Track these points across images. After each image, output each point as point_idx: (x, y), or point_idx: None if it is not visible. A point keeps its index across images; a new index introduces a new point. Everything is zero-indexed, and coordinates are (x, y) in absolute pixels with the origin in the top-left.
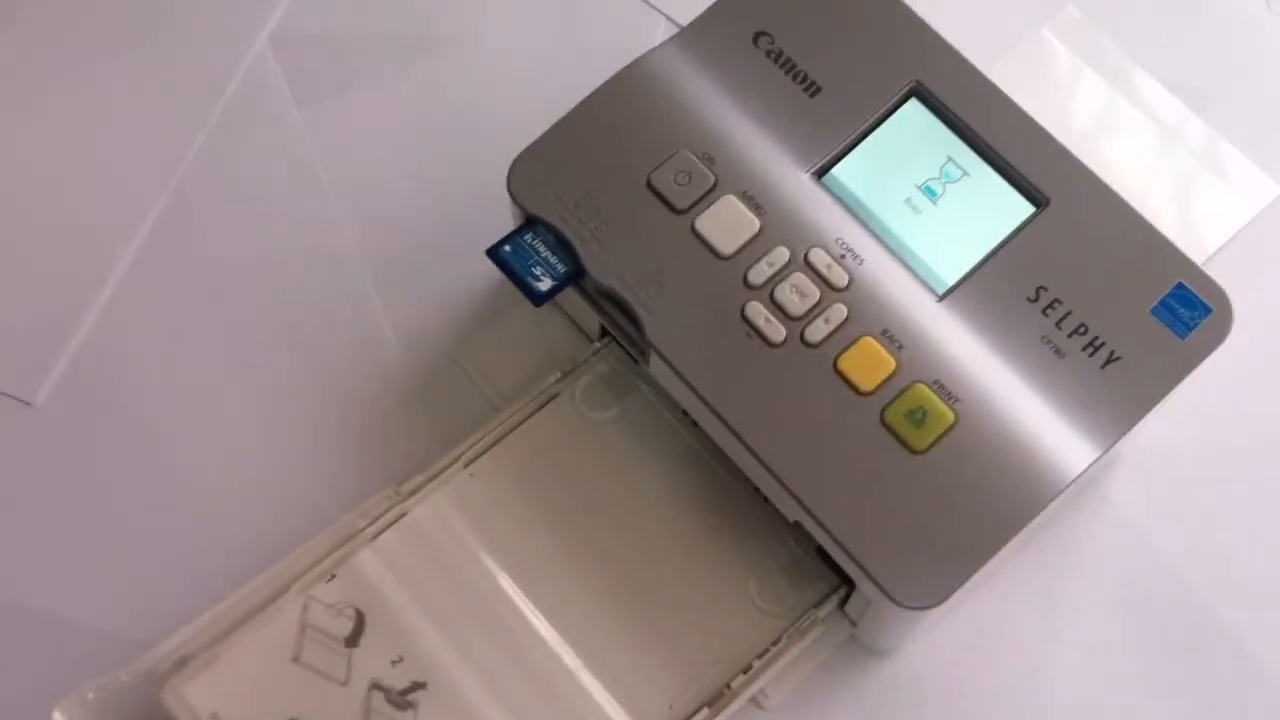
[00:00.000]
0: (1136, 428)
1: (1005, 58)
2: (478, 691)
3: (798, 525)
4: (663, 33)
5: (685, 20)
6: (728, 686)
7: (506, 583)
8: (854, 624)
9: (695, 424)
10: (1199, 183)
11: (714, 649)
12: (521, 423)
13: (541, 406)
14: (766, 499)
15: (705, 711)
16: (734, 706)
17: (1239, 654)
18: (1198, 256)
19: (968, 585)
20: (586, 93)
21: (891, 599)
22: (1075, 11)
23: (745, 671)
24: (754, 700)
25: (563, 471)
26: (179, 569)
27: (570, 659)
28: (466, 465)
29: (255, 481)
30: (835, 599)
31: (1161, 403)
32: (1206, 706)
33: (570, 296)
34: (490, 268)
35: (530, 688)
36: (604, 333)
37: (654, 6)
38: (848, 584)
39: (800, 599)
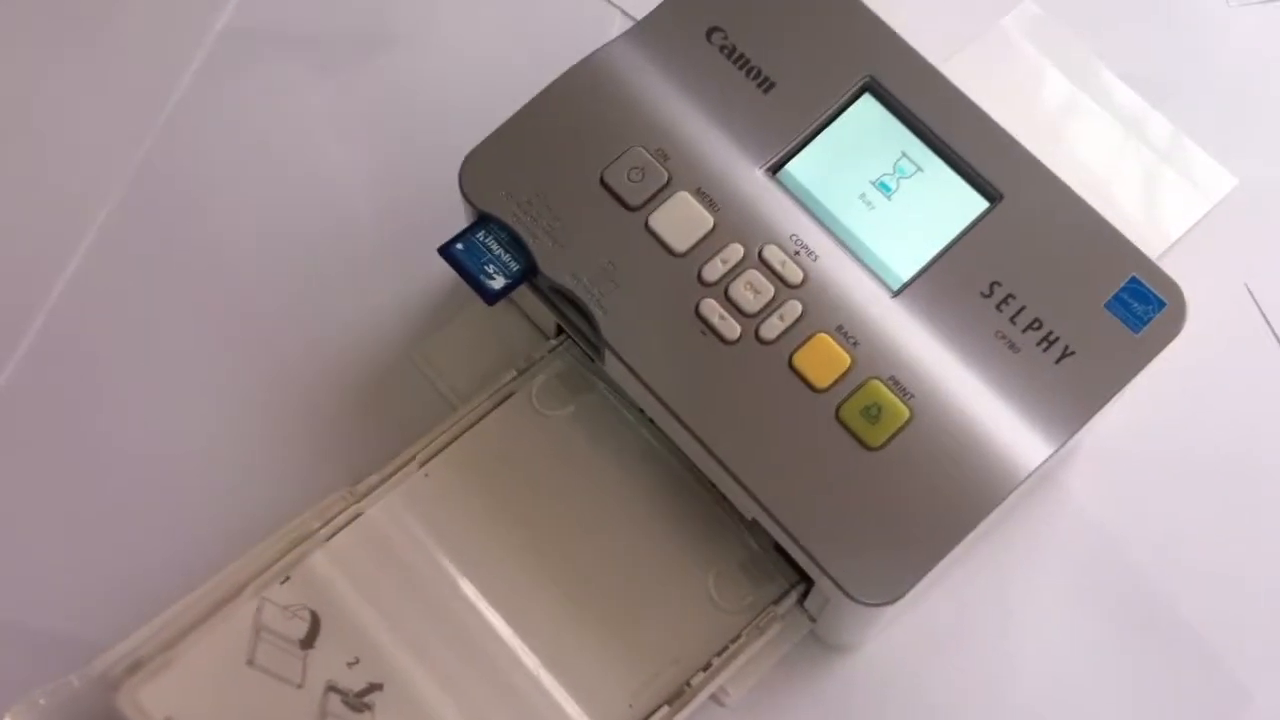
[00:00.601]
0: (1093, 420)
1: (963, 51)
2: (435, 692)
3: (755, 523)
4: (618, 28)
5: (641, 15)
6: (688, 684)
7: (463, 582)
8: (813, 620)
9: (652, 421)
10: (1158, 176)
11: (673, 647)
12: (477, 421)
13: (498, 405)
14: (724, 496)
15: (665, 709)
16: (694, 704)
17: (1196, 642)
18: (1157, 248)
19: (925, 580)
20: (541, 88)
21: (849, 596)
22: (1034, 5)
23: (705, 669)
24: (714, 698)
25: (519, 470)
26: (131, 571)
27: (528, 658)
28: (421, 465)
29: (208, 482)
30: (794, 595)
31: (1118, 396)
32: (1164, 694)
33: (525, 294)
34: (445, 266)
35: (489, 688)
36: (560, 330)
37: (610, 2)
38: (806, 581)
39: (759, 596)
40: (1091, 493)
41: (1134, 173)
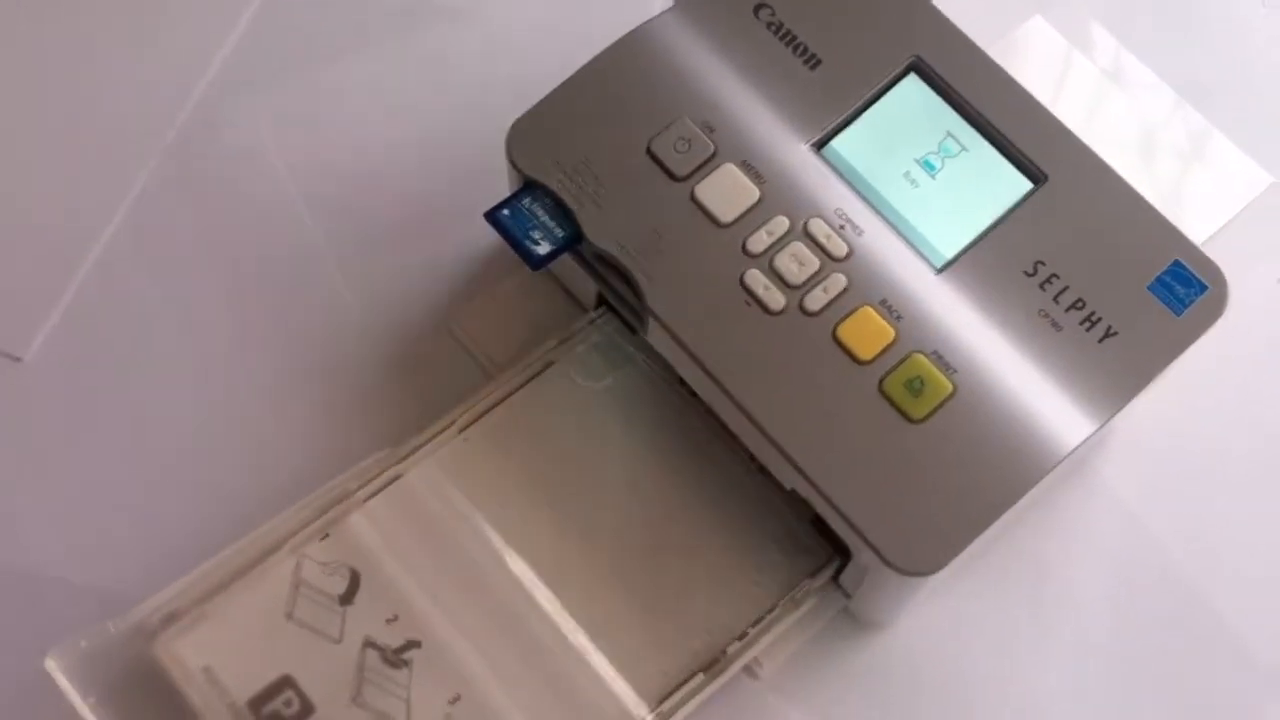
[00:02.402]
0: (1130, 407)
1: (999, 43)
2: (470, 653)
3: (793, 494)
4: (663, 2)
5: None
6: (723, 653)
7: (499, 547)
8: (848, 596)
9: (691, 393)
10: (1190, 171)
11: (709, 617)
12: (516, 390)
13: (537, 374)
14: (761, 469)
15: (700, 677)
16: (728, 674)
17: (1225, 632)
18: None
19: (962, 556)
20: (588, 59)
21: (889, 565)
22: (1071, 1)
23: (740, 639)
24: (747, 669)
25: (556, 439)
26: (169, 527)
27: (564, 623)
28: (461, 430)
29: (247, 442)
30: (829, 570)
31: (1156, 382)
32: (1192, 684)
33: (566, 265)
34: (485, 236)
35: (523, 650)
36: (600, 302)
37: None
38: (842, 555)
39: (795, 569)
40: (1126, 480)
41: (1168, 169)
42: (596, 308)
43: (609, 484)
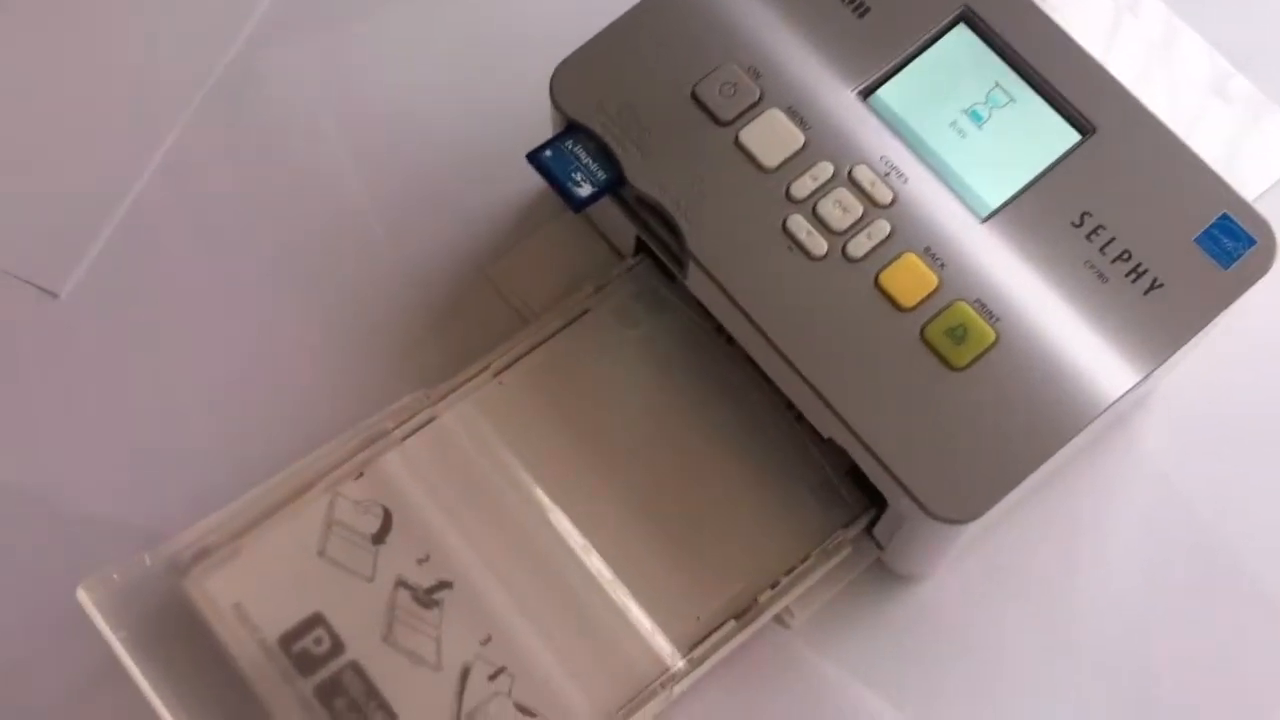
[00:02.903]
0: (1170, 364)
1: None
2: (501, 595)
3: (830, 444)
4: None
5: None
6: (755, 601)
7: (533, 491)
8: (881, 548)
9: (728, 340)
10: (1240, 135)
11: (742, 564)
12: (553, 335)
13: (573, 320)
14: (797, 418)
15: (732, 624)
16: (760, 621)
17: (1259, 597)
18: None
19: (997, 511)
20: (625, 9)
21: (927, 512)
22: None
23: (773, 587)
24: (779, 618)
25: (592, 384)
26: (202, 464)
27: (596, 567)
28: (496, 374)
29: (284, 382)
30: (864, 520)
31: (1198, 339)
32: (1225, 646)
33: (605, 211)
34: (524, 183)
35: (555, 594)
36: (638, 248)
37: None
38: (877, 506)
39: (829, 519)
40: (1162, 442)
41: (1217, 131)
42: (635, 254)
43: (644, 430)
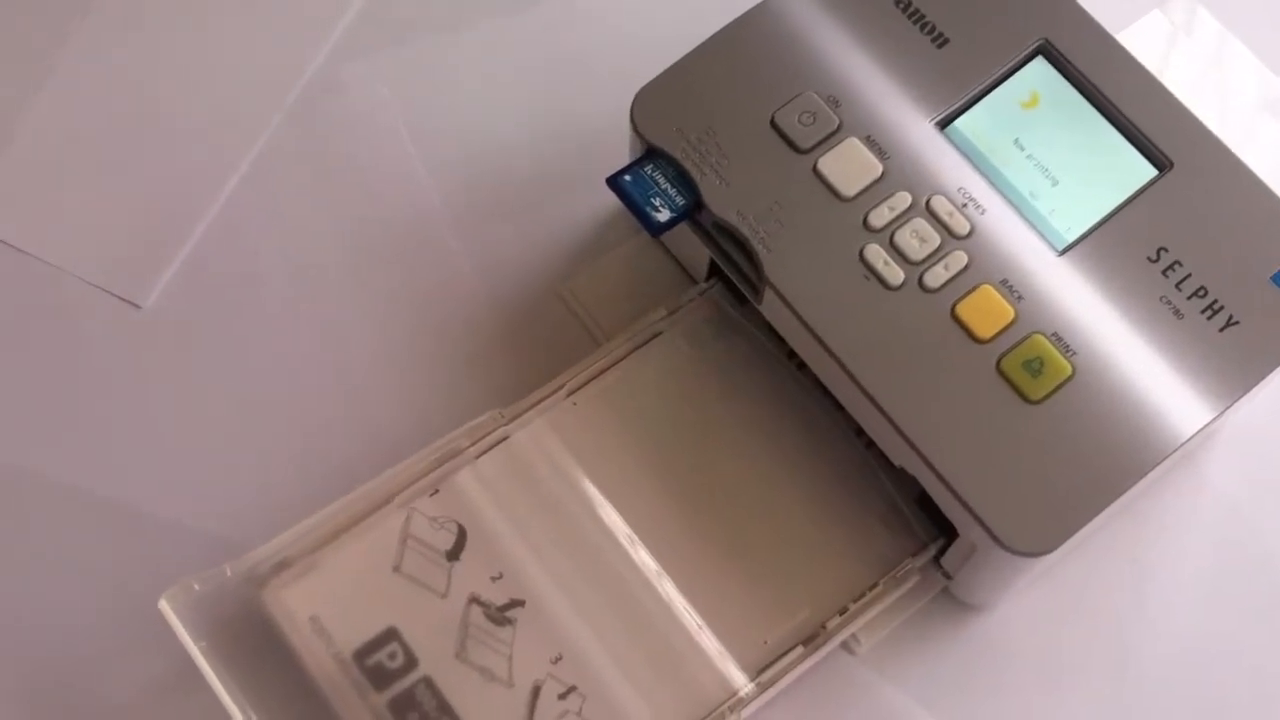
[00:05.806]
0: (1239, 404)
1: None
2: (572, 614)
3: (900, 472)
4: None
5: None
6: (823, 627)
7: (605, 511)
8: (949, 577)
9: (800, 366)
10: None
11: (810, 590)
12: (625, 356)
13: (646, 342)
14: (868, 445)
15: (800, 650)
16: (828, 647)
17: None
18: None
19: (1070, 542)
20: (714, 30)
21: (1001, 544)
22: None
23: (841, 614)
24: (845, 645)
25: (664, 407)
26: (282, 476)
27: (666, 589)
28: (569, 395)
29: (360, 399)
30: (932, 550)
31: (1272, 377)
32: None
33: (680, 235)
34: (597, 204)
35: (624, 615)
36: (712, 272)
37: None
38: (946, 535)
39: (898, 547)
40: (1230, 479)
41: (1268, 149)
42: (708, 278)
43: (714, 453)
